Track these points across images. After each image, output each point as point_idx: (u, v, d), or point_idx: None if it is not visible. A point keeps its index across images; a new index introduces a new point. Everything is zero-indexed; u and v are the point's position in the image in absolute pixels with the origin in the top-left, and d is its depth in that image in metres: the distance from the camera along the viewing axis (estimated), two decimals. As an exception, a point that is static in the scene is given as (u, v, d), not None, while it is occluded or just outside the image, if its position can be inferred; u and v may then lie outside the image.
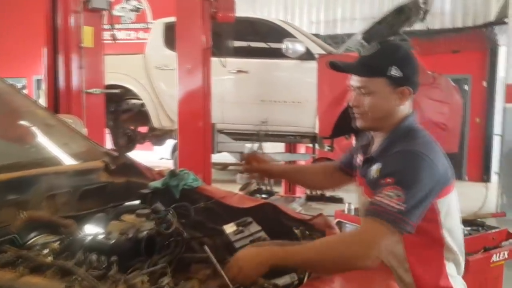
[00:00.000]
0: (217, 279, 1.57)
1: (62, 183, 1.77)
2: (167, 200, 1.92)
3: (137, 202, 1.94)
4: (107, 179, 1.94)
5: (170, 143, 7.51)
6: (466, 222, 2.42)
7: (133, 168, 2.06)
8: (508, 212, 5.68)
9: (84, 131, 2.81)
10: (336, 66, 1.42)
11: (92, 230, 1.63)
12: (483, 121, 9.09)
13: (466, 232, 2.36)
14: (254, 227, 1.69)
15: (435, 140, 1.39)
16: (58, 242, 1.51)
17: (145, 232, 1.48)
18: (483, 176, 9.06)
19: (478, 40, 8.54)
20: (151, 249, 1.51)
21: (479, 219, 2.54)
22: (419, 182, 1.27)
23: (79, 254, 1.38)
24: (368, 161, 1.45)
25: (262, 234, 1.67)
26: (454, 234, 1.44)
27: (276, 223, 1.75)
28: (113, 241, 1.47)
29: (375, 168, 1.41)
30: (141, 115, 5.71)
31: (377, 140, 1.46)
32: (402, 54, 1.38)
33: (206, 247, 1.64)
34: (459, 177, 8.61)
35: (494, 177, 8.46)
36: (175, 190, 1.97)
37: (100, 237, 1.52)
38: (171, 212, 1.69)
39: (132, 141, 6.06)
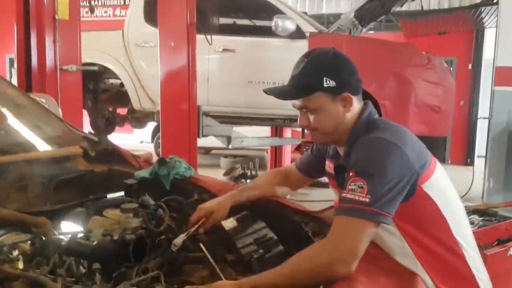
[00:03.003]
0: (214, 281, 1.37)
1: (34, 172, 1.54)
2: (156, 192, 1.71)
3: (121, 194, 1.71)
4: (86, 167, 1.72)
5: (151, 126, 7.22)
6: (477, 212, 2.28)
7: (116, 155, 1.83)
8: (495, 196, 5.66)
9: (59, 112, 2.54)
10: (271, 93, 1.40)
11: (69, 229, 1.40)
12: (468, 104, 9.07)
13: (480, 223, 2.22)
14: (258, 224, 1.50)
15: (401, 126, 1.35)
16: (30, 242, 1.28)
17: (132, 234, 1.24)
18: (466, 159, 9.08)
19: (464, 21, 8.44)
20: (141, 252, 1.29)
21: (490, 209, 2.40)
22: (383, 169, 1.21)
23: (54, 259, 1.15)
24: (340, 169, 1.39)
25: (267, 231, 1.48)
26: (454, 212, 1.36)
27: (282, 219, 1.56)
28: (95, 243, 1.25)
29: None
30: (120, 96, 5.43)
31: (341, 149, 1.43)
32: (331, 62, 1.34)
33: (202, 245, 1.45)
34: (442, 160, 8.60)
35: (477, 161, 8.47)
36: (165, 181, 1.75)
37: (80, 237, 1.29)
38: (162, 206, 1.47)
39: (110, 123, 5.77)
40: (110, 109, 5.84)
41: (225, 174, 5.96)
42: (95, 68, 4.58)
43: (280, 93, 1.40)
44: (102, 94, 5.52)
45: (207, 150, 8.06)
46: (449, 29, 8.31)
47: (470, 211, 2.47)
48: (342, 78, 1.32)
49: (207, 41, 4.35)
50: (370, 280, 1.22)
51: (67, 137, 1.77)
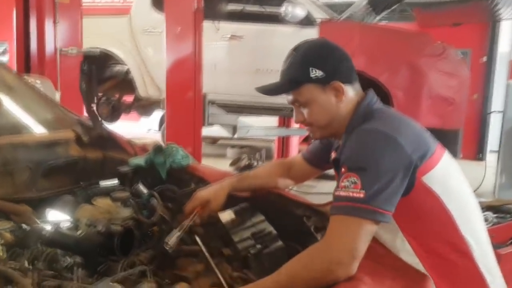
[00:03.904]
0: (209, 276, 1.28)
1: (20, 157, 1.44)
2: (151, 181, 1.62)
3: (114, 182, 1.61)
4: (78, 153, 1.62)
5: (158, 114, 7.14)
6: (491, 208, 2.16)
7: (111, 141, 1.74)
8: (507, 192, 5.51)
9: (57, 95, 2.45)
10: (261, 91, 1.36)
11: (55, 217, 1.32)
12: (480, 98, 8.87)
13: (494, 220, 2.10)
14: (256, 217, 1.40)
15: (399, 115, 1.29)
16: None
17: (119, 225, 1.15)
18: (478, 154, 8.90)
19: (480, 13, 8.23)
20: (128, 245, 1.20)
21: (505, 205, 2.28)
22: (376, 162, 1.13)
23: (32, 250, 1.06)
24: (336, 164, 1.30)
25: (266, 225, 1.38)
26: (462, 208, 1.27)
27: (283, 213, 1.46)
28: (80, 234, 1.16)
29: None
30: (126, 83, 5.34)
31: (340, 143, 1.36)
32: (317, 51, 1.29)
33: (197, 238, 1.35)
34: (453, 155, 8.40)
35: (488, 156, 8.30)
36: (161, 169, 1.65)
37: (64, 227, 1.20)
38: (154, 196, 1.38)
39: (116, 111, 5.70)
40: (116, 97, 5.77)
41: (231, 164, 5.87)
42: (96, 51, 4.48)
43: (269, 89, 1.35)
44: (107, 81, 5.44)
45: (214, 140, 7.97)
46: (464, 20, 8.12)
47: (484, 208, 2.35)
48: (330, 66, 1.26)
49: (215, 27, 4.24)
50: (375, 280, 1.12)
51: (60, 121, 1.68)
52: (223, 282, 1.27)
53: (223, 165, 5.04)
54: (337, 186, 1.15)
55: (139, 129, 8.15)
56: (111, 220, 1.29)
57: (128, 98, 5.88)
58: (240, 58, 4.69)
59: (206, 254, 1.36)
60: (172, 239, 1.28)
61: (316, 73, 1.25)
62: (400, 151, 1.15)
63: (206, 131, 5.08)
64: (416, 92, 4.02)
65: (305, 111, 1.31)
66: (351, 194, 1.10)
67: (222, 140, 7.57)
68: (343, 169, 1.15)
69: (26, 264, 1.00)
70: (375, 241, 1.22)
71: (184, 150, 1.72)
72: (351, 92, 1.29)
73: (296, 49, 1.29)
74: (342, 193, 1.12)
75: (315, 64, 1.25)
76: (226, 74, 4.72)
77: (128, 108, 5.90)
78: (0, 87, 1.65)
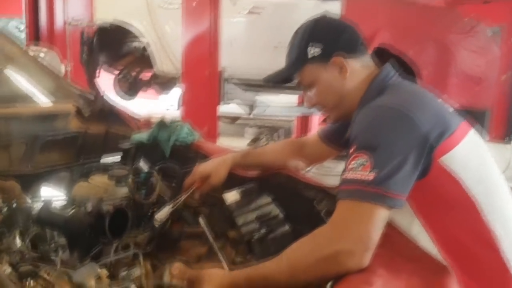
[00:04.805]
0: (212, 259, 1.24)
1: (16, 130, 1.36)
2: (155, 159, 1.52)
3: (116, 158, 1.53)
4: (78, 127, 1.53)
5: (177, 91, 7.07)
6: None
7: (114, 115, 1.65)
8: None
9: (62, 67, 2.37)
10: (267, 81, 1.32)
11: (47, 195, 1.24)
12: (510, 78, 8.53)
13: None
14: (263, 199, 1.29)
15: (417, 90, 1.20)
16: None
17: (111, 205, 1.06)
18: (506, 136, 8.60)
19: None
20: (122, 226, 1.11)
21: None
22: (387, 141, 1.03)
23: (15, 231, 0.99)
24: (348, 144, 1.19)
25: (273, 208, 1.28)
26: (488, 193, 1.15)
27: (292, 195, 1.35)
28: (70, 214, 1.08)
29: None
30: (144, 60, 5.26)
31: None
32: (313, 28, 1.21)
33: (201, 219, 1.27)
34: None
35: (517, 139, 8.01)
36: (164, 146, 1.56)
37: (55, 205, 1.12)
38: (154, 174, 1.29)
39: (134, 87, 5.65)
40: (134, 73, 5.72)
41: (249, 144, 5.79)
42: (108, 23, 4.38)
43: (273, 77, 1.30)
44: (124, 57, 5.38)
45: (233, 119, 7.88)
46: (495, -4, 7.77)
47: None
48: (328, 41, 1.18)
49: (232, 1, 4.11)
50: (391, 273, 1.00)
51: (60, 93, 1.59)
52: (225, 267, 1.18)
53: (241, 144, 4.95)
54: (345, 168, 1.04)
55: (158, 107, 8.12)
56: (107, 199, 1.20)
57: (146, 75, 5.83)
58: (258, 33, 4.54)
59: (209, 236, 1.27)
60: (161, 213, 1.19)
61: (314, 51, 1.18)
62: (414, 129, 1.05)
63: (223, 110, 4.99)
64: (442, 70, 3.84)
65: (311, 93, 1.24)
66: (360, 176, 1.00)
67: (241, 119, 7.47)
68: (351, 149, 1.05)
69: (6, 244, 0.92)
70: (392, 228, 1.11)
71: (191, 126, 1.61)
72: (358, 65, 1.20)
73: (296, 30, 1.23)
74: (350, 176, 1.01)
75: (312, 42, 1.18)
76: (244, 50, 4.59)
77: (146, 85, 5.84)
78: (-1, 56, 1.57)
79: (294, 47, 1.22)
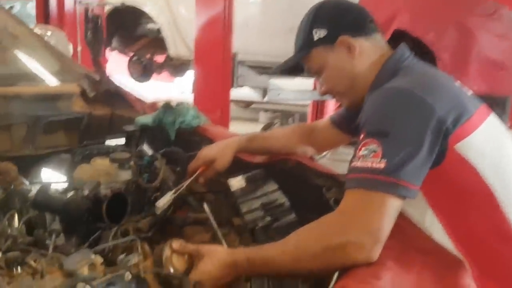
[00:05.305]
0: None
1: (17, 110, 1.33)
2: (160, 142, 1.48)
3: (120, 141, 1.49)
4: (82, 109, 1.50)
5: (191, 74, 7.03)
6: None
7: (119, 97, 1.60)
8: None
9: (68, 47, 2.33)
10: (278, 70, 1.34)
11: (47, 178, 1.21)
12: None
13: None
14: (269, 185, 1.24)
15: (432, 72, 1.15)
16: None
17: (108, 189, 1.02)
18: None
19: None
20: (122, 211, 1.07)
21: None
22: (401, 125, 0.98)
23: (10, 215, 0.95)
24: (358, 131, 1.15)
25: (279, 195, 1.23)
26: (509, 183, 1.09)
27: (301, 182, 1.29)
28: (68, 198, 1.04)
29: None
30: (158, 42, 5.22)
31: None
32: (315, 11, 1.19)
33: (205, 205, 1.23)
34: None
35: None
36: (170, 129, 1.51)
37: (54, 189, 1.09)
38: (157, 158, 1.25)
39: (147, 70, 5.62)
40: (148, 56, 5.68)
41: (263, 129, 5.73)
42: (118, 4, 4.32)
43: (283, 67, 1.30)
44: (138, 40, 5.34)
45: (247, 104, 7.82)
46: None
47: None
48: (333, 21, 1.16)
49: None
50: (401, 266, 0.95)
51: (64, 74, 1.55)
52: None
53: (255, 129, 4.89)
54: (354, 155, 0.98)
55: (172, 91, 8.09)
56: (108, 183, 1.17)
57: (161, 58, 5.79)
58: (273, 15, 4.46)
59: (213, 222, 1.23)
60: (162, 200, 1.15)
61: (319, 33, 1.15)
62: (429, 113, 0.99)
63: (236, 94, 4.92)
64: (463, 54, 3.70)
65: (323, 79, 1.21)
66: (370, 164, 0.94)
67: (255, 104, 7.41)
68: (361, 135, 1.00)
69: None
70: (403, 218, 1.05)
71: (196, 110, 1.56)
72: (368, 45, 1.15)
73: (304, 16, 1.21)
74: (360, 164, 0.95)
75: (317, 25, 1.16)
76: (258, 33, 4.53)
77: (159, 68, 5.81)
78: (1, 34, 1.53)
79: (300, 33, 1.20)
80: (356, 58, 1.15)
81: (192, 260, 0.98)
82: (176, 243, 0.98)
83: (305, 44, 1.18)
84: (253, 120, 7.07)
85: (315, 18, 1.18)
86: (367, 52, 1.15)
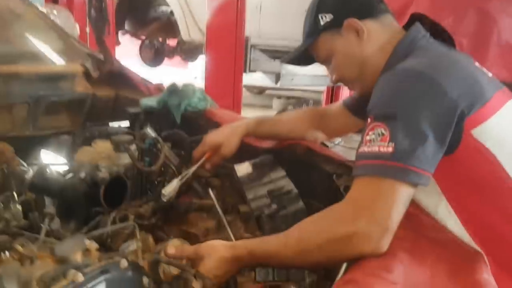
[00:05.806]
0: (220, 235, 1.17)
1: (19, 90, 1.29)
2: (165, 125, 1.44)
3: (124, 123, 1.45)
4: (86, 90, 1.45)
5: (204, 59, 6.97)
6: None
7: (123, 78, 1.55)
8: None
9: (75, 27, 2.28)
10: (287, 60, 1.31)
11: (45, 159, 1.17)
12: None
13: None
14: (276, 172, 1.19)
15: (447, 52, 1.08)
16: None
17: (106, 173, 0.98)
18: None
19: None
20: (121, 196, 1.03)
21: None
22: (411, 108, 0.91)
23: (4, 197, 0.91)
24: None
25: (286, 182, 1.17)
26: None
27: (310, 169, 1.23)
28: (66, 180, 1.00)
29: None
30: (170, 26, 5.16)
31: None
32: None
33: (211, 191, 1.18)
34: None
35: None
36: (175, 112, 1.46)
37: (52, 171, 1.04)
38: (159, 141, 1.20)
39: (159, 55, 5.58)
40: (160, 39, 5.64)
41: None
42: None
43: (291, 57, 1.25)
44: (151, 23, 5.28)
45: (260, 90, 7.74)
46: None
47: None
48: (338, 4, 1.13)
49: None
50: (414, 258, 0.89)
51: (68, 53, 1.50)
52: (232, 238, 1.10)
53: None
54: (361, 141, 0.92)
55: (185, 75, 8.04)
56: (108, 166, 1.12)
57: (173, 42, 5.73)
58: (287, -1, 4.36)
59: (219, 209, 1.18)
60: (169, 188, 1.10)
61: (325, 18, 1.12)
62: (442, 96, 0.92)
63: (249, 80, 4.85)
64: (483, 40, 3.57)
65: (332, 66, 1.16)
66: (377, 149, 0.88)
67: (268, 90, 7.32)
68: (369, 119, 0.93)
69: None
70: (415, 206, 1.00)
71: (203, 92, 1.50)
72: (377, 27, 1.10)
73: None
74: (368, 149, 0.89)
75: (322, 10, 1.13)
76: (271, 16, 4.43)
77: (171, 53, 5.76)
78: (3, 12, 1.48)
79: (306, 20, 1.17)
80: (364, 41, 1.10)
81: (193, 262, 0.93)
82: (171, 248, 0.93)
83: (312, 30, 1.14)
84: (266, 107, 6.99)
85: (320, 3, 1.15)
86: (376, 34, 1.10)
